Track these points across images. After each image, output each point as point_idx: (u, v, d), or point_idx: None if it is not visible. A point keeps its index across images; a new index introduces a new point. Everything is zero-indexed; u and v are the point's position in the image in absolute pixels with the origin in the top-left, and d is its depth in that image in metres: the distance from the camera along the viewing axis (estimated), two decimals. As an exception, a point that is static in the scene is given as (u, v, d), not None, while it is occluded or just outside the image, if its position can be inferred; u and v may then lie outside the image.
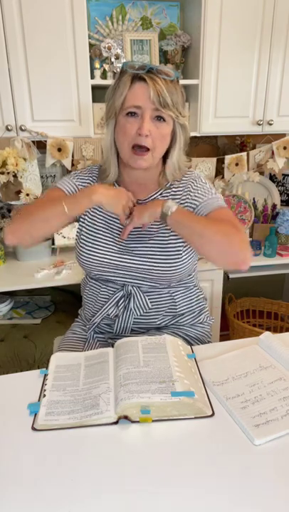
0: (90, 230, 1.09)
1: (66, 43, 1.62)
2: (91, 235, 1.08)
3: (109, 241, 1.07)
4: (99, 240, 1.07)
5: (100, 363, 0.92)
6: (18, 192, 1.78)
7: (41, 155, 1.81)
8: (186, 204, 1.06)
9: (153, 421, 0.77)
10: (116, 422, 0.77)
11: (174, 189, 1.08)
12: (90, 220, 1.10)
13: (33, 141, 1.76)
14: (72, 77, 1.67)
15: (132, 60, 1.86)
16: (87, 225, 1.10)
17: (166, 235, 1.05)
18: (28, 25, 1.56)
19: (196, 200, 1.05)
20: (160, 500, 0.63)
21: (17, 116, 1.67)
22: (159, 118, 0.96)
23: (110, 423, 0.77)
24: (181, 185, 1.08)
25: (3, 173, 1.70)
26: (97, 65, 1.76)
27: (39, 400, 0.84)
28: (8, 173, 1.71)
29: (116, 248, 1.06)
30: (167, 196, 1.08)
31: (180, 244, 1.05)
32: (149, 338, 0.98)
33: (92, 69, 1.74)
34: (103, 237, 1.07)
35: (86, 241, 1.08)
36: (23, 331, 1.76)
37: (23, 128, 1.68)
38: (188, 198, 1.06)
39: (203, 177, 1.11)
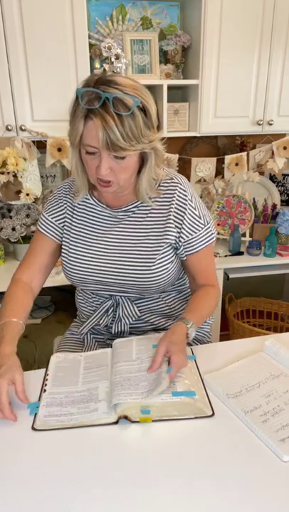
0: (74, 246, 1.06)
1: (66, 42, 1.62)
2: (75, 251, 1.06)
3: (92, 257, 1.05)
4: (83, 255, 1.05)
5: (100, 363, 0.92)
6: (18, 192, 1.78)
7: (41, 155, 1.81)
8: (178, 224, 1.02)
9: (153, 421, 0.77)
10: (116, 422, 0.77)
11: (155, 202, 1.02)
12: (75, 236, 1.07)
13: (33, 141, 1.77)
14: (73, 77, 1.67)
15: (132, 60, 1.85)
16: (71, 240, 1.07)
17: (148, 249, 1.02)
18: (28, 25, 1.56)
19: (188, 232, 1.03)
20: (160, 500, 0.63)
21: (17, 116, 1.67)
22: (118, 156, 0.87)
23: (110, 423, 0.77)
24: (165, 201, 1.02)
25: (3, 173, 1.70)
26: (97, 65, 1.76)
27: (39, 400, 0.84)
28: (8, 173, 1.71)
29: (100, 265, 1.04)
30: (146, 208, 1.02)
31: (162, 257, 1.02)
32: (148, 338, 0.98)
33: (92, 69, 1.74)
34: (87, 253, 1.05)
35: (70, 257, 1.06)
36: (23, 331, 1.75)
37: (23, 128, 1.68)
38: (181, 221, 1.02)
39: (188, 188, 1.03)
